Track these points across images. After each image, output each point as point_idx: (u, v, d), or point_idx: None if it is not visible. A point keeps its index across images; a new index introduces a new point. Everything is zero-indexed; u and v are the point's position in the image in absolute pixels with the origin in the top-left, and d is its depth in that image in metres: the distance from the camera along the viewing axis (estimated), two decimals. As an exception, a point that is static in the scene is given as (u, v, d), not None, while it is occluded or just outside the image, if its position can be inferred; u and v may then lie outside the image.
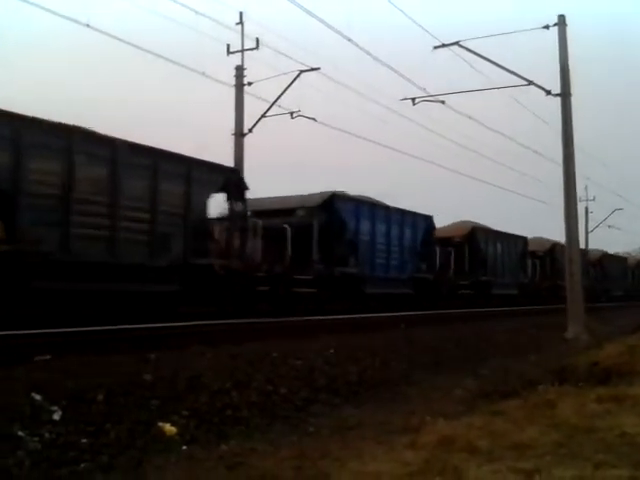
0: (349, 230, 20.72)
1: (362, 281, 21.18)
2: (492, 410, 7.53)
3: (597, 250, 47.63)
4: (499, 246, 31.52)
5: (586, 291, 36.30)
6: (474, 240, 29.28)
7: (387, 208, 23.44)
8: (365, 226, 21.55)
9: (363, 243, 21.38)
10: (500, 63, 19.96)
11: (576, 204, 20.64)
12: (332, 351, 11.88)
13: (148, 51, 17.70)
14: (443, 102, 23.27)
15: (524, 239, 34.78)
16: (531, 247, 35.64)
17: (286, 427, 7.96)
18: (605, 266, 47.39)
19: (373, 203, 22.84)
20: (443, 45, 19.97)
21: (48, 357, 8.30)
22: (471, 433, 6.13)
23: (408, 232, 24.10)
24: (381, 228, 22.42)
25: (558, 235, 25.28)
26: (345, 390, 10.10)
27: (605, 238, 62.57)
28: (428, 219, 25.75)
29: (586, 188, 50.87)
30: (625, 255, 59.19)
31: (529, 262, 35.50)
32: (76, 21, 15.30)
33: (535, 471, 4.75)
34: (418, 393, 10.44)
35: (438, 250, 26.47)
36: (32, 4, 14.42)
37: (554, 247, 36.50)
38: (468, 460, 5.17)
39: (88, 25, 15.32)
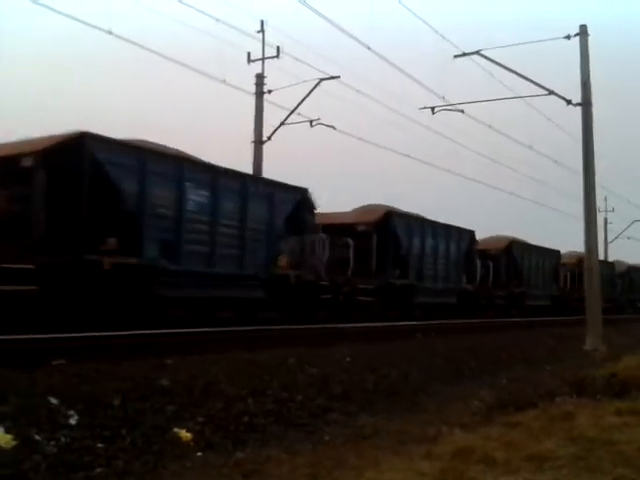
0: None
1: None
2: (509, 421, 7.47)
3: (623, 261, 47.21)
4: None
5: (613, 302, 36.13)
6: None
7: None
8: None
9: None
10: (520, 72, 19.91)
11: (595, 214, 20.50)
12: (349, 359, 11.85)
13: (167, 57, 17.85)
14: (462, 111, 23.24)
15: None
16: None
17: (301, 435, 7.95)
18: (632, 278, 46.99)
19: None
20: (464, 54, 19.93)
21: (63, 362, 8.34)
22: (488, 444, 6.08)
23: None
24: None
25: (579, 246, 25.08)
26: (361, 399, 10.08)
27: (624, 249, 61.98)
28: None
29: (605, 199, 50.63)
30: None
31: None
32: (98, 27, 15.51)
33: (552, 484, 4.70)
34: (435, 403, 10.40)
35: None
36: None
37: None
38: (485, 471, 5.13)
39: (110, 32, 15.50)
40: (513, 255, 30.82)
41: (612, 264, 42.76)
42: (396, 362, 12.63)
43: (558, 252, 36.36)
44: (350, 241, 20.26)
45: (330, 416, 8.98)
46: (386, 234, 21.62)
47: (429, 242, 23.98)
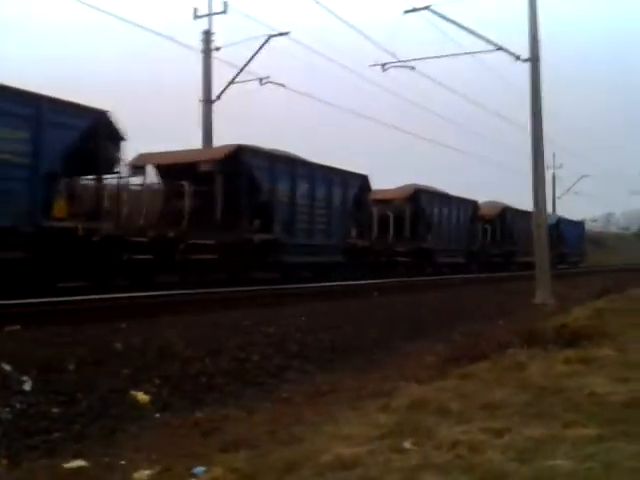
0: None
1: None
2: (463, 373, 7.62)
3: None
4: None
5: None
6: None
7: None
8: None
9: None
10: (470, 28, 19.92)
11: (544, 170, 20.78)
12: (303, 318, 11.93)
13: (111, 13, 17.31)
14: (413, 68, 23.23)
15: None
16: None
17: (260, 393, 8.01)
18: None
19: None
20: (414, 9, 19.86)
21: (17, 327, 8.20)
22: (442, 396, 6.20)
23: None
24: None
25: (526, 204, 25.35)
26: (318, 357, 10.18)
27: (572, 205, 63.29)
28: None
29: (554, 155, 51.56)
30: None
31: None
32: None
33: (505, 430, 4.81)
34: (391, 359, 10.57)
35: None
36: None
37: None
38: (439, 422, 5.24)
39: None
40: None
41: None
42: (354, 320, 12.78)
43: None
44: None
45: (287, 374, 9.06)
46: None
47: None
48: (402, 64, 22.93)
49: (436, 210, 28.50)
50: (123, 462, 5.31)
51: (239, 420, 6.57)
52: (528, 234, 33.40)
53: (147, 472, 4.89)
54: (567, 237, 44.71)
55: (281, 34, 22.31)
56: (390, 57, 22.46)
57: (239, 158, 17.62)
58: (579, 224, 50.88)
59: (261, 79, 23.35)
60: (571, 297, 20.10)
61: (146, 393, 7.11)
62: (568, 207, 57.63)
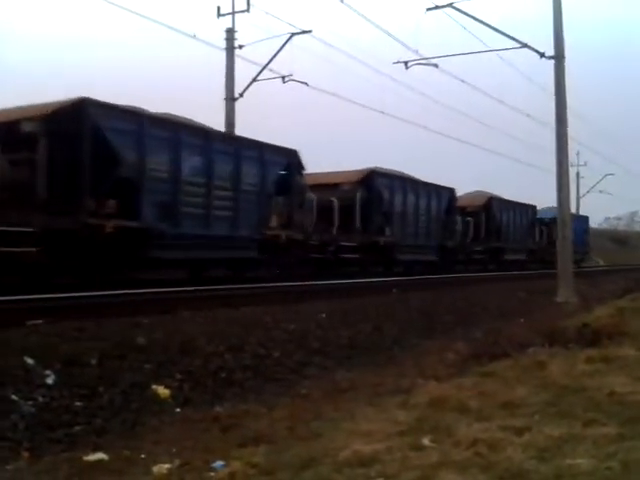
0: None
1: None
2: (483, 372, 7.58)
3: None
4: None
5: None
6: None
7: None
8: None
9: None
10: (494, 25, 19.81)
11: (568, 168, 20.60)
12: (324, 315, 11.94)
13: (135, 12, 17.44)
14: (436, 65, 23.11)
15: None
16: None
17: (279, 389, 8.04)
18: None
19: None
20: (436, 7, 19.75)
21: (40, 322, 8.30)
22: (462, 393, 6.19)
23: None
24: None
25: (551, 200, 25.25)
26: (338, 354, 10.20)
27: (596, 203, 62.50)
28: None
29: (578, 153, 50.99)
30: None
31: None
32: None
33: (525, 429, 4.79)
34: (410, 356, 10.55)
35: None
36: None
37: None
38: (459, 419, 5.23)
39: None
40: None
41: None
42: (372, 317, 12.77)
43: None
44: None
45: (307, 370, 9.09)
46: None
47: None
48: (425, 62, 22.83)
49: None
50: (143, 455, 5.36)
51: (259, 415, 6.60)
52: (517, 228, 34.05)
53: (167, 465, 4.92)
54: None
55: (304, 32, 22.30)
56: (413, 55, 22.39)
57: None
58: (582, 219, 46.45)
59: (284, 77, 23.34)
60: (593, 296, 19.93)
61: (167, 387, 7.17)
62: (592, 205, 56.92)
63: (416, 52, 22.26)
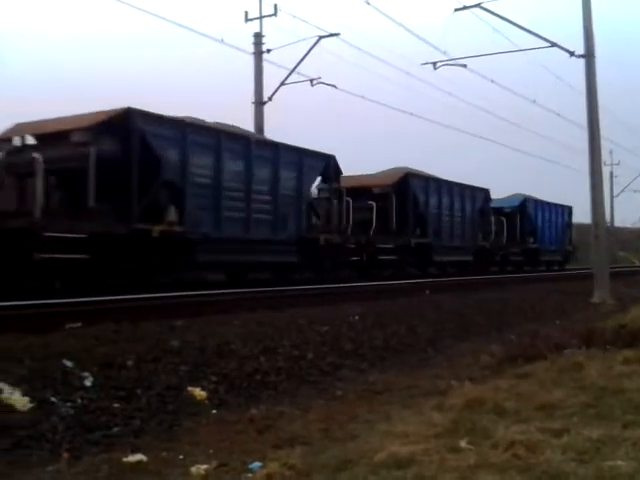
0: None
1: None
2: (519, 373, 7.53)
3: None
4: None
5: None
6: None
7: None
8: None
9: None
10: (522, 25, 19.64)
11: (601, 167, 20.35)
12: (357, 317, 11.93)
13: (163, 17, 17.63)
14: (465, 66, 22.98)
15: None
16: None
17: (314, 391, 8.05)
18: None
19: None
20: (464, 7, 19.64)
21: (79, 324, 8.42)
22: (498, 395, 6.15)
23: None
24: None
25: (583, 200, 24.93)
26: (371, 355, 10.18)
27: (630, 203, 61.44)
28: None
29: (611, 152, 50.20)
30: None
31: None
32: None
33: (564, 431, 4.74)
34: (444, 358, 10.51)
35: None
36: None
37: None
38: (496, 421, 5.19)
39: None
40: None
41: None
42: (406, 319, 12.72)
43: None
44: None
45: (341, 373, 9.09)
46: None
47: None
48: (454, 62, 22.71)
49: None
50: (181, 457, 5.41)
51: (294, 417, 6.62)
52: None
53: (204, 466, 4.97)
54: (539, 227, 32.61)
55: (331, 35, 22.33)
56: (441, 55, 22.29)
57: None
58: (561, 209, 35.83)
59: (312, 80, 23.39)
60: (630, 296, 19.63)
61: (203, 389, 7.22)
62: (627, 205, 55.96)
63: (444, 53, 22.18)
